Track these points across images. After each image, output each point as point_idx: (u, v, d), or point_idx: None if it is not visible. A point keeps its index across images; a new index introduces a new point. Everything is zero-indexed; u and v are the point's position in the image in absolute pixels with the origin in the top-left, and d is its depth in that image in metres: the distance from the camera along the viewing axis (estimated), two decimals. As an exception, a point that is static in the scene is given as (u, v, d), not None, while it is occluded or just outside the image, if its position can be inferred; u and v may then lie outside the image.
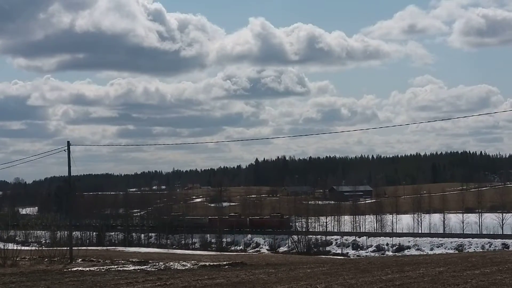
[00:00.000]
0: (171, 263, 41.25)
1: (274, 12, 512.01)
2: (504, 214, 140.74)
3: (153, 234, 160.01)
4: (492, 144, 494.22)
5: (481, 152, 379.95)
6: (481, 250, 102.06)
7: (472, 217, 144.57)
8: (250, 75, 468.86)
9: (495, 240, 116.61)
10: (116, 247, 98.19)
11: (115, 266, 39.78)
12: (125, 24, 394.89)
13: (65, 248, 49.74)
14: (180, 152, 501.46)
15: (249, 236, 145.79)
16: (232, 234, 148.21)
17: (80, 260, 46.74)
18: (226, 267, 38.14)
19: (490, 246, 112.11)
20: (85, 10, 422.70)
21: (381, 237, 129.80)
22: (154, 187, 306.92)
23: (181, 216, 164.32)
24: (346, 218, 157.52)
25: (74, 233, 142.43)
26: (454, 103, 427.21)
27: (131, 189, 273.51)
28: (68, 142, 48.33)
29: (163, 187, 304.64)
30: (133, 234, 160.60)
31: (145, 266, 39.35)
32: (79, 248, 58.91)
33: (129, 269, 37.65)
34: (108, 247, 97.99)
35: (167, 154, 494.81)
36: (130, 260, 45.88)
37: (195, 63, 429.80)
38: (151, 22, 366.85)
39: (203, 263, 40.93)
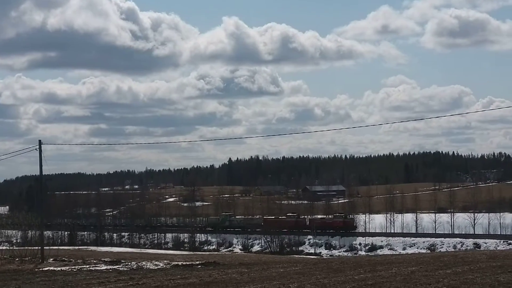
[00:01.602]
0: (144, 263, 41.09)
1: (247, 12, 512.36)
2: (476, 214, 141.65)
3: (125, 234, 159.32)
4: (464, 145, 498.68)
5: (453, 152, 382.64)
6: (453, 250, 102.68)
7: (444, 217, 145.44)
8: (223, 74, 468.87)
9: (467, 240, 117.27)
10: (88, 247, 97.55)
11: (87, 266, 39.55)
12: (98, 23, 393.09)
13: (37, 247, 49.39)
14: (153, 151, 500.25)
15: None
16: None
17: (51, 259, 46.39)
18: (199, 266, 38.05)
19: (462, 246, 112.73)
20: (57, 9, 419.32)
21: (354, 237, 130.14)
22: (126, 187, 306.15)
23: (232, 216, 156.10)
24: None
25: (45, 232, 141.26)
26: (427, 104, 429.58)
27: (103, 189, 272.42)
28: (40, 141, 47.94)
29: (136, 186, 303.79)
30: (106, 233, 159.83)
31: (117, 266, 39.16)
32: (51, 247, 58.46)
33: (101, 268, 37.46)
34: (80, 247, 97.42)
35: (140, 154, 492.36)
36: (102, 259, 45.63)
37: (168, 62, 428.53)
38: (124, 21, 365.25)
39: (176, 263, 40.81)
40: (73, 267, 38.50)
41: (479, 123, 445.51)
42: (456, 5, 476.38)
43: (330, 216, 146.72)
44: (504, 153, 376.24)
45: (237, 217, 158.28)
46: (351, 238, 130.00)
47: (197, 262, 40.83)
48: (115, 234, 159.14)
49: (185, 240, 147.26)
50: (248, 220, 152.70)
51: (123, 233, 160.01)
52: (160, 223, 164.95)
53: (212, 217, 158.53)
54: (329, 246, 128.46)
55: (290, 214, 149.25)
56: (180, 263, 40.81)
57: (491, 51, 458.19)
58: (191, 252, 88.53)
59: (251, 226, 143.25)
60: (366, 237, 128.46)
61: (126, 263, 41.07)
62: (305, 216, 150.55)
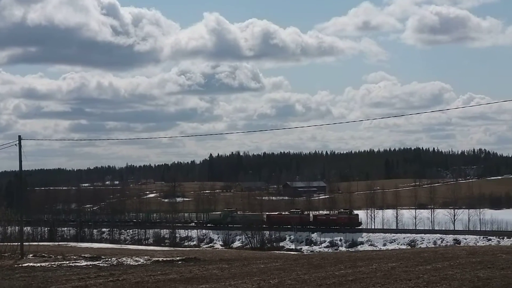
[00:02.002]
0: (124, 259, 40.95)
1: (228, 8, 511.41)
2: (456, 210, 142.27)
3: (106, 230, 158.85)
4: (444, 141, 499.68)
5: (433, 148, 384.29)
6: (433, 246, 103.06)
7: (424, 213, 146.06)
8: (204, 70, 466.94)
9: (447, 235, 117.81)
10: (68, 243, 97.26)
11: (67, 262, 39.33)
12: (78, 18, 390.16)
13: (16, 243, 49.08)
14: (134, 147, 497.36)
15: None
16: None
17: (31, 255, 46.12)
18: (180, 262, 37.95)
19: (442, 242, 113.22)
20: (37, 4, 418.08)
21: (335, 233, 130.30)
22: (107, 182, 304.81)
23: (234, 213, 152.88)
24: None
25: (25, 228, 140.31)
26: (407, 100, 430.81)
27: (83, 184, 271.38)
28: (19, 136, 47.64)
29: (116, 182, 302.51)
30: (86, 229, 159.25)
31: (98, 262, 38.97)
32: (30, 243, 58.08)
33: (81, 264, 37.27)
34: (60, 243, 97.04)
35: (121, 149, 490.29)
36: (82, 255, 45.40)
37: (149, 58, 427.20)
38: (104, 16, 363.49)
39: (156, 259, 40.69)
40: (53, 263, 38.27)
41: (459, 119, 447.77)
42: (436, 1, 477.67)
43: (334, 212, 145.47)
44: (484, 149, 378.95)
45: (239, 213, 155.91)
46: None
47: (178, 258, 40.72)
48: (95, 230, 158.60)
49: (166, 236, 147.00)
50: (250, 216, 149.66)
51: (103, 229, 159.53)
52: (140, 219, 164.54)
53: (214, 213, 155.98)
54: (309, 242, 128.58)
55: (294, 210, 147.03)
56: (160, 259, 40.69)
57: (471, 48, 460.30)
58: (172, 248, 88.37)
59: (254, 222, 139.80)
60: (347, 233, 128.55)
61: (106, 259, 40.90)
62: (309, 212, 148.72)
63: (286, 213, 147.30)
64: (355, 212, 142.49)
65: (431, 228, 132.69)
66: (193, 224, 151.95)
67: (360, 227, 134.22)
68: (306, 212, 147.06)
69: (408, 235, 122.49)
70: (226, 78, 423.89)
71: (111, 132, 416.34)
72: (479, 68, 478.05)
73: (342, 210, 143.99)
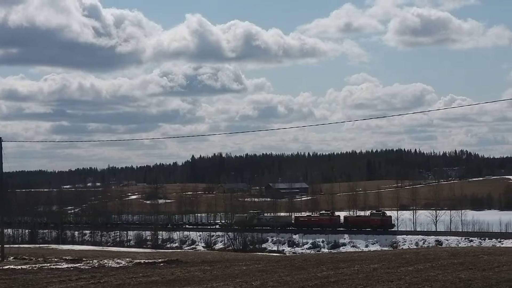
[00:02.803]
0: (105, 261, 40.78)
1: (211, 9, 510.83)
2: (438, 211, 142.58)
3: (87, 232, 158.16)
4: (426, 142, 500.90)
5: (415, 150, 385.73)
6: (415, 247, 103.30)
7: (406, 214, 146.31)
8: (186, 72, 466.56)
9: (429, 237, 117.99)
10: (50, 245, 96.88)
11: (48, 264, 39.13)
12: (60, 20, 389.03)
13: (-3, 246, 48.78)
14: (116, 148, 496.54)
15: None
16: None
17: (12, 258, 45.89)
18: (161, 264, 37.85)
19: (424, 243, 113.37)
20: (19, 5, 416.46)
21: (317, 234, 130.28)
22: (88, 184, 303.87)
23: (261, 214, 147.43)
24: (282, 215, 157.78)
25: (6, 230, 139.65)
26: (389, 101, 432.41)
27: (65, 186, 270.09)
28: (0, 138, 47.42)
29: (98, 184, 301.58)
30: (67, 231, 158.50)
31: (79, 264, 38.81)
32: (11, 246, 57.84)
33: (62, 267, 37.09)
34: (41, 245, 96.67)
35: (102, 151, 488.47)
36: (64, 258, 45.20)
37: (131, 59, 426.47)
38: (86, 17, 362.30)
39: (138, 261, 40.55)
40: (33, 266, 38.07)
41: (441, 121, 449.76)
42: (418, 3, 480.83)
43: (366, 214, 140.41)
44: (466, 150, 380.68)
45: (266, 215, 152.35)
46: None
47: (160, 260, 40.61)
48: (76, 232, 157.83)
49: (148, 237, 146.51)
50: (278, 218, 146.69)
51: (85, 231, 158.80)
52: (122, 220, 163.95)
53: (239, 215, 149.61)
54: (292, 244, 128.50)
55: (324, 212, 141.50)
56: (142, 261, 40.56)
57: (452, 49, 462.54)
58: (154, 250, 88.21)
59: (281, 225, 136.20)
60: (329, 235, 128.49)
61: (88, 261, 40.72)
62: (339, 214, 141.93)
63: (316, 214, 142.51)
64: (387, 213, 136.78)
65: (413, 229, 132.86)
66: (217, 226, 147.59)
67: (394, 229, 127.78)
68: (337, 213, 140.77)
69: (390, 236, 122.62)
70: (208, 80, 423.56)
71: (92, 133, 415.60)
72: (461, 70, 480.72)
73: (374, 211, 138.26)
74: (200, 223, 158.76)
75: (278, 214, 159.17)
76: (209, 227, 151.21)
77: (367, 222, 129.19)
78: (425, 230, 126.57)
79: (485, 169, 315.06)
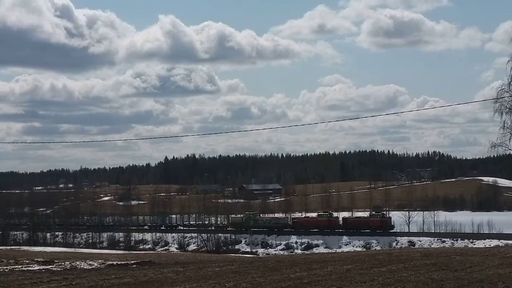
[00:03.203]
0: (78, 263, 40.51)
1: (184, 10, 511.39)
2: (411, 212, 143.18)
3: (59, 233, 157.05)
4: (399, 143, 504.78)
5: (388, 151, 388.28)
6: (388, 248, 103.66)
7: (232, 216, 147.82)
8: (160, 73, 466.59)
9: (402, 237, 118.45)
10: (21, 247, 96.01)
11: (19, 266, 38.80)
12: (32, 20, 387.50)
13: (-33, 247, 48.37)
14: (88, 150, 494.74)
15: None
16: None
17: (-18, 260, 45.43)
18: (134, 266, 37.68)
19: (396, 244, 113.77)
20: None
21: (290, 235, 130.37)
22: (61, 186, 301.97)
23: (257, 215, 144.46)
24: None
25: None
26: (363, 103, 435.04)
27: (37, 188, 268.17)
28: (-29, 138, 46.88)
29: (70, 185, 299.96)
30: (39, 233, 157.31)
31: (51, 266, 38.52)
32: (-18, 247, 57.31)
33: (34, 269, 36.78)
34: (12, 247, 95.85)
35: (75, 152, 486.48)
36: (35, 259, 44.85)
37: (104, 60, 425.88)
38: (58, 18, 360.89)
39: (111, 262, 40.34)
40: (5, 268, 37.72)
41: (414, 122, 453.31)
42: (391, 5, 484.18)
43: (365, 215, 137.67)
44: (438, 152, 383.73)
45: (263, 216, 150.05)
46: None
47: (132, 262, 40.43)
48: (48, 234, 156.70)
49: (121, 239, 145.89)
50: (275, 219, 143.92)
51: (57, 233, 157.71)
52: (96, 222, 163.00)
53: (236, 216, 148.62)
54: (265, 245, 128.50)
55: (322, 213, 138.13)
56: (115, 262, 40.35)
57: (425, 51, 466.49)
58: (127, 252, 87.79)
59: (278, 226, 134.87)
60: (303, 236, 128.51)
61: (60, 263, 40.44)
62: (338, 215, 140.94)
63: (314, 216, 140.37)
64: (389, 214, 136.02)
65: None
66: (212, 228, 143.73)
67: (393, 231, 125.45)
68: (334, 214, 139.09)
69: (363, 237, 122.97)
70: (182, 81, 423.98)
71: (65, 134, 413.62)
72: (433, 71, 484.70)
73: (373, 212, 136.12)
74: (196, 223, 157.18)
75: (276, 215, 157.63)
76: (209, 228, 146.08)
77: (367, 223, 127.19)
78: (398, 231, 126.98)
79: (457, 170, 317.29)
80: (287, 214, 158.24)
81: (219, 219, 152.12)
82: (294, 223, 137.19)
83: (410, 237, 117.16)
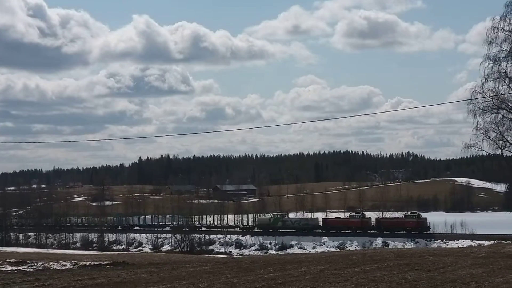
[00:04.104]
0: (50, 263, 40.19)
1: (158, 10, 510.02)
2: (385, 212, 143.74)
3: (32, 234, 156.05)
4: (373, 144, 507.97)
5: (363, 152, 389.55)
6: (361, 248, 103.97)
7: (258, 216, 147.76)
8: (133, 73, 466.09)
9: (376, 238, 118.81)
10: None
11: (-9, 267, 38.44)
12: (4, 19, 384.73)
13: None
14: (61, 150, 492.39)
15: (379, 239, 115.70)
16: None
17: (-46, 261, 44.97)
18: (108, 266, 37.44)
19: (370, 244, 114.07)
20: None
21: (264, 236, 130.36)
22: (33, 186, 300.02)
23: (279, 215, 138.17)
24: (230, 217, 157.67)
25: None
26: (337, 104, 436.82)
27: (9, 188, 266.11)
28: None
29: (43, 185, 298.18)
30: (11, 234, 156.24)
31: (23, 267, 38.18)
32: (-46, 248, 56.80)
33: (6, 269, 36.43)
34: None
35: (48, 152, 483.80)
36: (7, 260, 44.42)
37: (78, 60, 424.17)
38: (31, 17, 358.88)
39: (84, 263, 40.06)
40: (-24, 268, 37.35)
41: (388, 123, 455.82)
42: (365, 6, 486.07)
43: (400, 216, 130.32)
44: (412, 152, 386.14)
45: (291, 217, 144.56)
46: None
47: (106, 262, 40.18)
48: (21, 234, 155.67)
49: (94, 239, 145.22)
50: (305, 220, 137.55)
51: (29, 233, 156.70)
52: (70, 222, 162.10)
53: (262, 217, 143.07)
54: (239, 245, 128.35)
55: (354, 213, 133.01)
56: (88, 263, 40.09)
57: (399, 52, 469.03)
58: (100, 252, 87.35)
59: (308, 227, 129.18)
60: (277, 236, 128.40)
61: (32, 264, 40.09)
62: (369, 216, 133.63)
63: (346, 216, 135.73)
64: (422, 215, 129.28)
65: (360, 231, 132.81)
66: (237, 229, 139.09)
67: (429, 232, 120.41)
68: (367, 215, 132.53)
69: (337, 237, 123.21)
70: (156, 81, 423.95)
71: (37, 134, 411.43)
72: (407, 72, 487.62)
73: (409, 213, 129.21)
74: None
75: (306, 215, 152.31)
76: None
77: (402, 224, 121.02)
78: (372, 231, 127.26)
79: (431, 171, 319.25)
80: (312, 214, 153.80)
81: (245, 220, 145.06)
82: (325, 223, 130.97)
83: (384, 238, 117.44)
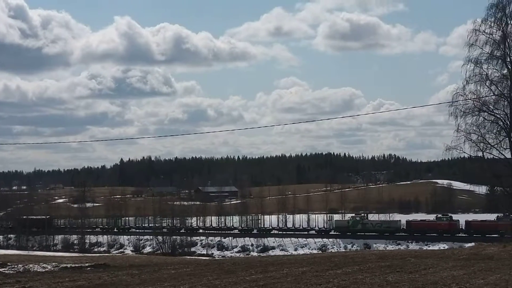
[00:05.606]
0: (31, 265, 39.91)
1: (140, 12, 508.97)
2: (367, 214, 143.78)
3: (12, 236, 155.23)
4: (355, 146, 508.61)
5: (344, 153, 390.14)
6: (343, 250, 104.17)
7: (335, 218, 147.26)
8: (115, 74, 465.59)
9: (357, 240, 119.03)
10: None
11: (-29, 269, 38.15)
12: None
13: None
14: (42, 151, 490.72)
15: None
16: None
17: None
18: (89, 269, 37.23)
19: (352, 246, 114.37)
20: None
21: (246, 238, 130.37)
22: (14, 188, 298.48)
23: (358, 217, 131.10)
24: (212, 219, 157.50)
25: None
26: (319, 105, 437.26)
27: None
28: None
29: (24, 187, 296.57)
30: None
31: (3, 269, 37.89)
32: None
33: (-14, 272, 36.19)
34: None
35: (28, 154, 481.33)
36: (-12, 262, 44.15)
37: (59, 61, 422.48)
38: (12, 18, 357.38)
39: (65, 265, 39.82)
40: (-44, 271, 37.07)
41: (369, 125, 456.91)
42: (347, 9, 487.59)
43: (494, 218, 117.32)
44: (394, 154, 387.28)
45: (372, 219, 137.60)
46: (243, 239, 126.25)
47: (87, 264, 39.96)
48: (1, 236, 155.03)
49: (75, 241, 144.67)
50: (386, 223, 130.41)
51: (10, 235, 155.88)
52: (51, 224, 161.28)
53: (341, 220, 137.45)
54: (221, 247, 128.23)
55: (441, 216, 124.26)
56: (69, 265, 39.85)
57: (381, 54, 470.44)
58: (81, 254, 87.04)
59: (390, 230, 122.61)
60: (258, 238, 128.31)
61: (13, 266, 39.79)
62: (457, 218, 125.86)
63: (432, 219, 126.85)
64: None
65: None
66: (313, 232, 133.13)
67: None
68: (456, 218, 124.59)
69: (319, 239, 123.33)
70: (138, 83, 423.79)
71: (18, 136, 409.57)
72: (389, 74, 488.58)
73: (501, 215, 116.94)
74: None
75: (389, 217, 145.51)
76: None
77: (495, 227, 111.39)
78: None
79: (412, 173, 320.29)
80: (391, 216, 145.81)
81: (320, 222, 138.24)
82: (409, 226, 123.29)
83: (366, 240, 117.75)
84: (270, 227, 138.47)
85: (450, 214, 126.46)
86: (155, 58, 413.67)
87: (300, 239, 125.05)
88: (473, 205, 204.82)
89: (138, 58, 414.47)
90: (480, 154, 56.94)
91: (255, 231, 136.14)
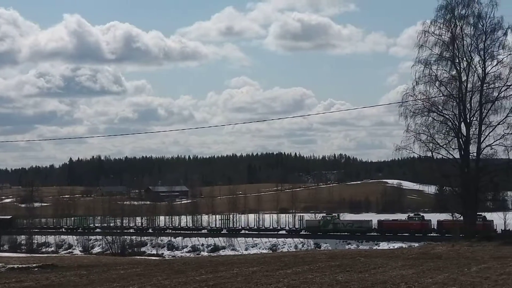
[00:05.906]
0: (-23, 266, 39.34)
1: (89, 10, 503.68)
2: (317, 214, 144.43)
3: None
4: (306, 146, 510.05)
5: (295, 153, 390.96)
6: (294, 250, 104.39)
7: (286, 217, 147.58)
8: (64, 73, 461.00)
9: (308, 240, 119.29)
10: None
11: None
12: None
13: None
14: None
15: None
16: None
17: None
18: (36, 269, 36.76)
19: (303, 246, 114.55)
20: None
21: (197, 238, 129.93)
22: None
23: (329, 217, 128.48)
24: (162, 219, 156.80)
25: None
26: (270, 105, 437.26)
27: None
28: None
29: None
30: None
31: None
32: None
33: None
34: None
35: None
36: None
37: (6, 59, 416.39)
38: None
39: (11, 266, 39.30)
40: None
41: (320, 125, 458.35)
42: (299, 9, 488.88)
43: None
44: (344, 154, 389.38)
45: (343, 219, 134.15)
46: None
47: (34, 265, 39.45)
48: None
49: (23, 242, 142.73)
50: (358, 223, 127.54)
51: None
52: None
53: (311, 220, 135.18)
54: (171, 247, 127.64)
55: (412, 215, 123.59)
56: (16, 266, 39.34)
57: (332, 54, 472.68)
58: (29, 255, 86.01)
59: (362, 230, 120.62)
60: (209, 238, 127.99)
61: (-42, 267, 39.18)
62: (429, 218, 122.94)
63: (403, 219, 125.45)
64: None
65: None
66: (283, 232, 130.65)
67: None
68: (427, 218, 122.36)
69: (270, 239, 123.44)
70: (87, 81, 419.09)
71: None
72: (340, 74, 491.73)
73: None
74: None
75: (360, 219, 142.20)
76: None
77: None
78: (304, 233, 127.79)
79: (363, 173, 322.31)
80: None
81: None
82: (380, 226, 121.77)
83: (316, 239, 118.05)
84: (240, 227, 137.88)
85: (422, 214, 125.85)
86: (105, 56, 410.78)
87: (250, 238, 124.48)
88: (423, 204, 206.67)
89: (88, 57, 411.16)
90: (429, 154, 57.59)
91: (224, 231, 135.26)
